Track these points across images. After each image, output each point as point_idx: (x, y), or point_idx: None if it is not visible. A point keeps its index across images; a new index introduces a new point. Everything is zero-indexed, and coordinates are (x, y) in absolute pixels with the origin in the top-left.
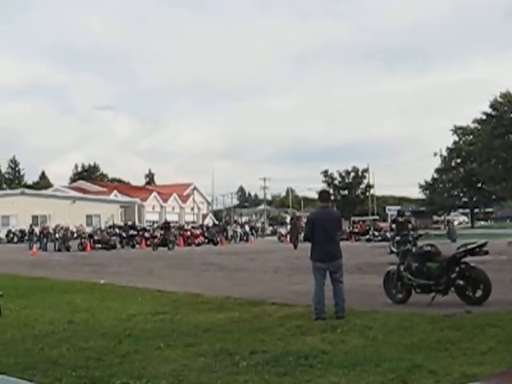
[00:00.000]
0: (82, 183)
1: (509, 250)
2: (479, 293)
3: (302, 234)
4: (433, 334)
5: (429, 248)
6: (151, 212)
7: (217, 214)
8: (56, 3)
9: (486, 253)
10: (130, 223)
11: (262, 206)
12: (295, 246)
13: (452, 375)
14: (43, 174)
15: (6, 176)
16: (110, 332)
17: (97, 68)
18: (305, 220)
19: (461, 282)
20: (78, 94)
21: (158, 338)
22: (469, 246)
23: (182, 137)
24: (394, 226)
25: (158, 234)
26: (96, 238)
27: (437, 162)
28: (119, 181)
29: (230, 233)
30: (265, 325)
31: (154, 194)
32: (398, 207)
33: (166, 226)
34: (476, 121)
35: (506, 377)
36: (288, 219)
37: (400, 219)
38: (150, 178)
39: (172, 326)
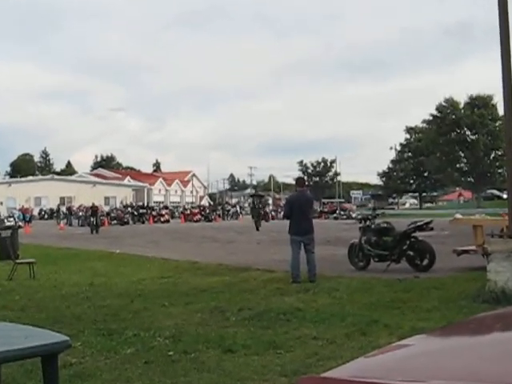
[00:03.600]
0: (101, 170)
1: (450, 226)
2: (426, 262)
3: (269, 215)
4: (388, 295)
5: (385, 225)
6: (158, 194)
7: (212, 196)
8: (79, 20)
9: (432, 229)
10: (140, 204)
11: (248, 190)
12: (257, 228)
13: (403, 328)
14: (69, 162)
15: (39, 164)
16: (123, 292)
17: (112, 75)
18: (270, 200)
19: (411, 253)
20: (97, 98)
21: (163, 297)
22: (417, 223)
23: (182, 132)
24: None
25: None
26: (112, 215)
27: (392, 155)
28: (132, 169)
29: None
30: (250, 287)
31: (160, 179)
32: (360, 191)
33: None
34: (424, 121)
35: (448, 330)
36: (270, 200)
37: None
38: (157, 166)
39: (174, 287)
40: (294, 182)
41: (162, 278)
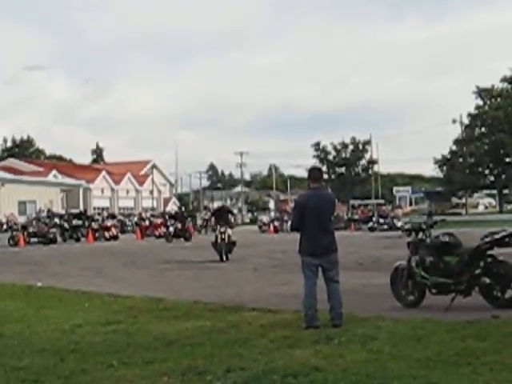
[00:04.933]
0: (12, 162)
1: None
2: (510, 293)
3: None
4: (452, 346)
5: (447, 238)
6: (100, 197)
7: (182, 198)
8: None
9: None
10: (73, 211)
11: (238, 188)
12: (222, 257)
13: None
14: None
15: None
16: (49, 347)
17: (25, 18)
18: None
19: (487, 280)
20: (2, 51)
21: (109, 353)
22: (496, 236)
23: (136, 102)
24: None
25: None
26: (31, 229)
27: (456, 132)
28: (59, 158)
29: (199, 221)
30: (243, 336)
31: (104, 173)
32: (408, 188)
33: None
34: (504, 79)
35: None
36: (272, 204)
37: None
38: (98, 154)
39: (127, 338)
40: (306, 175)
41: (107, 323)
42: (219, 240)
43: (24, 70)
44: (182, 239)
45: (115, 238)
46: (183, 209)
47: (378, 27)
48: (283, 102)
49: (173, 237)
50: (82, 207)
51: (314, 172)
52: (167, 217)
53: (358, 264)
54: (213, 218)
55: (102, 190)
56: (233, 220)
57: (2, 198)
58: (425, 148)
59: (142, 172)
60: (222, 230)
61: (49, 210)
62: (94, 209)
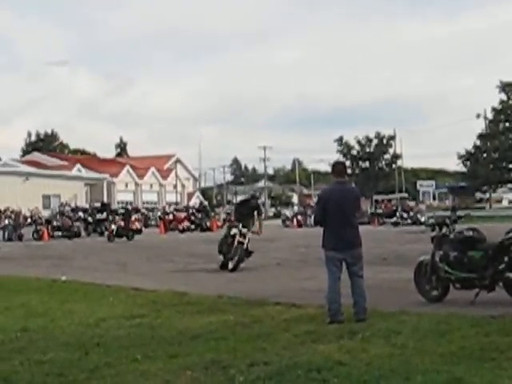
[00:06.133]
0: (36, 156)
1: None
2: None
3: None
4: (476, 341)
5: (471, 233)
6: (124, 191)
7: (205, 192)
8: None
9: None
10: (97, 205)
11: (261, 183)
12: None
13: None
14: None
15: None
16: (73, 341)
17: (48, 13)
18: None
19: (511, 276)
20: (27, 46)
21: (133, 347)
22: None
23: (159, 96)
24: None
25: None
26: (55, 223)
27: (480, 126)
28: (83, 152)
29: (223, 216)
30: (267, 330)
31: (127, 168)
32: (432, 182)
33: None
34: None
35: None
36: (295, 198)
37: None
38: (122, 148)
39: (151, 332)
40: (329, 170)
41: (131, 317)
42: (235, 243)
43: (48, 65)
44: (204, 232)
45: (139, 231)
46: (206, 203)
47: (400, 23)
48: (306, 97)
49: (194, 229)
50: (105, 202)
51: (337, 166)
52: (191, 211)
53: (381, 259)
54: (234, 213)
55: (126, 184)
56: (257, 223)
57: (26, 192)
58: (449, 143)
59: (166, 166)
60: (244, 230)
61: (65, 204)
62: (118, 203)
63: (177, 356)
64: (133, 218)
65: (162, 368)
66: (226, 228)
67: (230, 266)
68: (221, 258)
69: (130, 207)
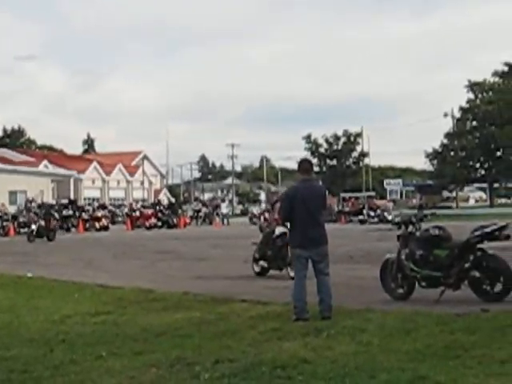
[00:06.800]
0: (3, 151)
1: None
2: (499, 287)
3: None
4: (441, 339)
5: (437, 231)
6: (91, 187)
7: (173, 189)
8: None
9: (508, 237)
10: (64, 201)
11: (229, 180)
12: None
13: None
14: None
15: None
16: (38, 337)
17: (18, 7)
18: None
19: (476, 274)
20: None
21: (98, 344)
22: (486, 229)
23: (128, 93)
24: None
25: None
26: (21, 219)
27: (447, 125)
28: (50, 148)
29: (190, 213)
30: (232, 327)
31: (95, 164)
32: (399, 181)
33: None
34: (496, 74)
35: None
36: (262, 196)
37: None
38: (89, 144)
39: (116, 329)
40: (297, 168)
41: (97, 314)
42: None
43: (16, 59)
44: (171, 229)
45: (106, 228)
46: (174, 200)
47: (372, 21)
48: (276, 95)
49: (161, 226)
50: (71, 198)
51: (303, 164)
52: (158, 208)
53: (348, 257)
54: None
55: (93, 181)
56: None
57: None
58: (416, 141)
59: (133, 163)
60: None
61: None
62: (85, 199)
63: (142, 353)
64: (99, 214)
65: (126, 365)
66: (266, 228)
67: (292, 274)
68: (262, 263)
69: (49, 204)
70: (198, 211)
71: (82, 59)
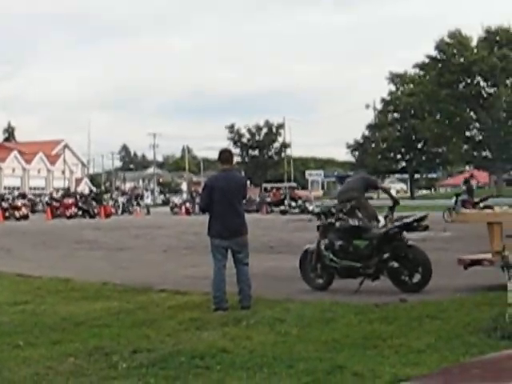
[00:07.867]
0: None
1: (455, 225)
2: (417, 277)
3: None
4: (359, 329)
5: (356, 222)
6: (11, 176)
7: (94, 178)
8: None
9: (427, 228)
10: None
11: (151, 170)
12: None
13: (381, 378)
14: None
15: None
16: None
17: None
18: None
19: (395, 265)
20: None
21: (16, 334)
22: (405, 220)
23: (50, 82)
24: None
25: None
26: None
27: (369, 117)
28: None
29: (111, 202)
30: (151, 317)
31: (15, 153)
32: (321, 172)
33: None
34: (417, 66)
35: (440, 377)
36: (184, 186)
37: None
38: (10, 133)
39: (34, 318)
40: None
41: (15, 304)
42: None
43: None
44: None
45: (25, 217)
46: (95, 189)
47: (296, 13)
48: (199, 85)
49: (82, 215)
50: None
51: (224, 154)
52: (79, 196)
53: (268, 247)
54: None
55: (13, 170)
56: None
57: None
58: (339, 133)
59: (54, 152)
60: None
61: None
62: (5, 188)
63: (60, 342)
64: (19, 203)
65: (44, 354)
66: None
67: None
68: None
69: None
70: (117, 201)
71: (2, 48)
